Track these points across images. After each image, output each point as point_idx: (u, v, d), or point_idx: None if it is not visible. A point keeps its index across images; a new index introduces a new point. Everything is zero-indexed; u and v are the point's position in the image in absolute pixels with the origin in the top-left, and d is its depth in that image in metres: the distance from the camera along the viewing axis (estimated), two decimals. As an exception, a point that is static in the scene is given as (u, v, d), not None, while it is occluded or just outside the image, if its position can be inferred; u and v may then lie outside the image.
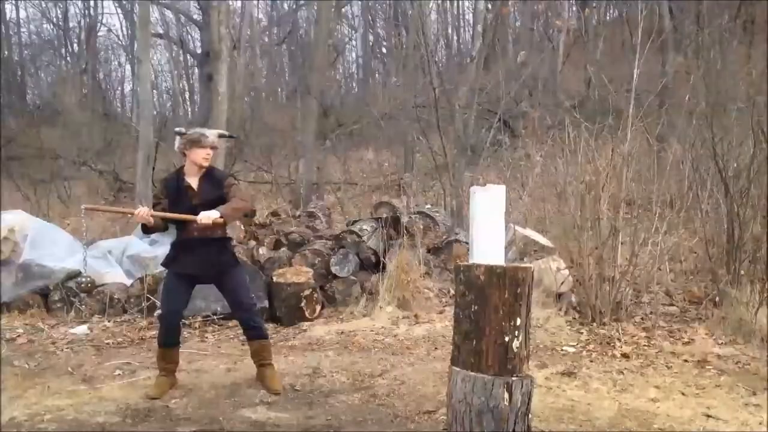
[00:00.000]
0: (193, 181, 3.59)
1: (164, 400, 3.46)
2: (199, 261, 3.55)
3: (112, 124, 17.70)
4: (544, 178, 6.76)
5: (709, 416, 3.29)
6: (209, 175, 3.63)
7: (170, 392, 3.58)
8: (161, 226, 3.52)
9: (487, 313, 2.38)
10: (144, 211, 3.34)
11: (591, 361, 4.23)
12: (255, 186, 12.49)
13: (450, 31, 22.59)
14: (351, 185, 11.72)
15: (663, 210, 5.61)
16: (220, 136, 3.78)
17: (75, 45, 22.47)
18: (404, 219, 6.34)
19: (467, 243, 5.22)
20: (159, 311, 4.19)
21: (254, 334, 3.70)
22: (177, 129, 3.70)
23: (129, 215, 3.22)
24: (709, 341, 4.58)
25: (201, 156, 3.55)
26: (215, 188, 3.57)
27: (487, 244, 2.58)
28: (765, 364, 4.12)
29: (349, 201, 10.45)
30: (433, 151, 9.42)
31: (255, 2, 20.66)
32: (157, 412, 3.30)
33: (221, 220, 3.37)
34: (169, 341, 3.63)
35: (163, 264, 3.72)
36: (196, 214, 3.36)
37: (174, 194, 3.56)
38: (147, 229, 3.52)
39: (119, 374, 4.04)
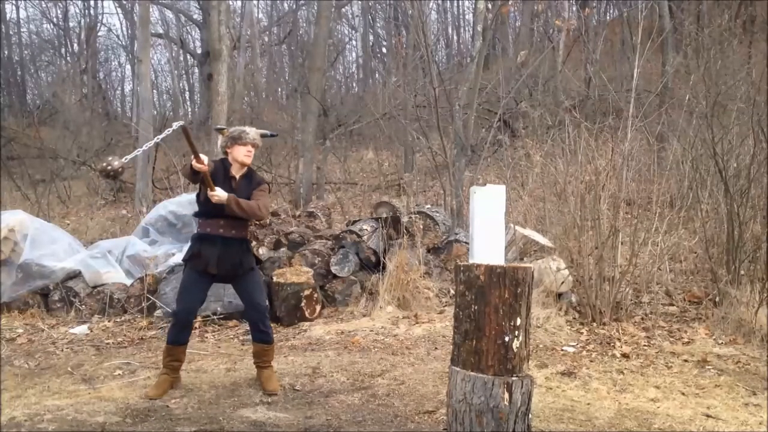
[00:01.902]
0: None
1: (164, 400, 3.46)
2: (221, 260, 3.55)
3: (112, 124, 17.73)
4: (544, 178, 6.76)
5: (709, 416, 3.29)
6: (249, 176, 3.69)
7: (170, 392, 3.58)
8: (197, 178, 3.48)
9: (487, 313, 2.38)
10: (204, 162, 3.33)
11: (591, 361, 4.24)
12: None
13: (450, 31, 22.67)
14: (351, 185, 11.73)
15: (663, 210, 5.62)
16: (262, 135, 3.79)
17: (75, 45, 22.47)
18: (404, 219, 6.34)
19: (467, 243, 5.23)
20: (169, 308, 4.16)
21: (261, 337, 3.70)
22: (217, 126, 3.69)
23: (195, 159, 3.31)
24: (709, 341, 4.58)
25: (242, 153, 3.60)
26: (250, 189, 3.63)
27: (487, 244, 2.59)
28: (765, 364, 4.13)
29: (349, 201, 10.45)
30: (433, 151, 9.42)
31: (255, 2, 20.68)
32: (157, 412, 3.30)
33: (227, 204, 3.40)
34: (180, 339, 3.61)
35: (185, 260, 3.69)
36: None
37: (219, 175, 3.57)
38: (194, 176, 3.46)
39: (119, 374, 4.04)
